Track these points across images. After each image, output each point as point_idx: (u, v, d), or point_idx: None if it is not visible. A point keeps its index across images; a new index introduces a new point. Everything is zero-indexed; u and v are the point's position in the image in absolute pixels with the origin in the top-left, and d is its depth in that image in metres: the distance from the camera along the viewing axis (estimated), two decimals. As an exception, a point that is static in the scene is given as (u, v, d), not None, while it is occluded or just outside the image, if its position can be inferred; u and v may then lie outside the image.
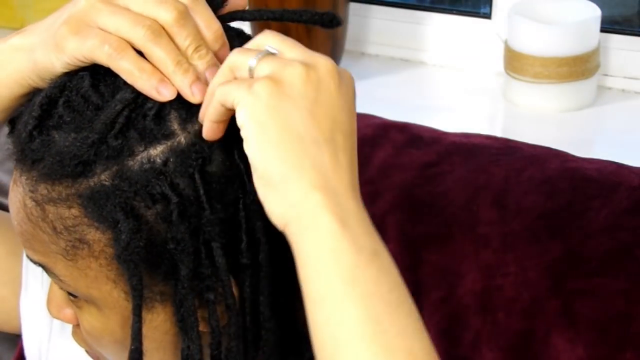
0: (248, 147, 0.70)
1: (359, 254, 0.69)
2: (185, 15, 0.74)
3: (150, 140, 0.73)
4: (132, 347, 0.76)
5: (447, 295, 1.32)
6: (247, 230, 0.75)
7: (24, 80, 0.79)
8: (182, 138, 0.74)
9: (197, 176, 0.73)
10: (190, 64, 0.74)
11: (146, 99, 0.74)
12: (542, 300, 1.25)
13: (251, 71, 0.71)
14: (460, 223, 1.34)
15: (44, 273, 0.96)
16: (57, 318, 0.85)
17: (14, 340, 1.34)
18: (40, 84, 0.78)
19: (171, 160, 0.73)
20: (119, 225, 0.73)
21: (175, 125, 0.74)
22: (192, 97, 0.73)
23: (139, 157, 0.73)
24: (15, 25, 2.10)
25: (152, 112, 0.74)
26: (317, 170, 0.70)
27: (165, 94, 0.73)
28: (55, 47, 0.75)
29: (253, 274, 0.76)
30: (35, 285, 0.99)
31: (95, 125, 0.73)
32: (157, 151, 0.73)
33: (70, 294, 0.81)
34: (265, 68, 0.71)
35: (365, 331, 0.68)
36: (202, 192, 0.73)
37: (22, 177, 0.76)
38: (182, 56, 0.74)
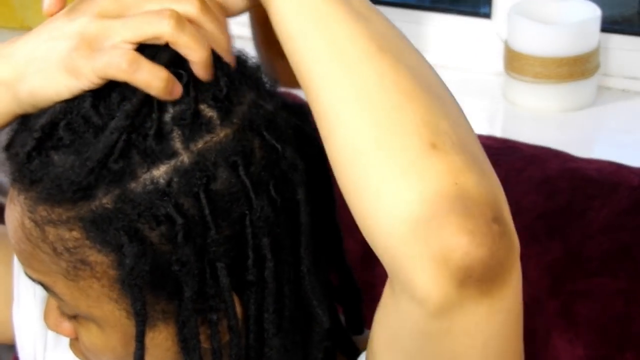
0: None
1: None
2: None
3: (152, 161, 0.72)
4: None
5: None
6: (253, 247, 0.74)
7: (6, 115, 0.76)
8: (185, 157, 0.72)
9: (202, 195, 0.72)
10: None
11: (144, 119, 0.72)
12: (542, 300, 1.25)
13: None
14: (460, 223, 1.34)
15: (35, 289, 0.96)
16: (55, 331, 0.84)
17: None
18: (30, 111, 0.75)
19: (175, 180, 0.72)
20: (123, 249, 0.72)
21: (177, 145, 0.72)
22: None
23: (141, 179, 0.72)
24: (15, 25, 2.10)
25: (152, 132, 0.72)
26: None
27: (175, 94, 0.72)
28: (64, 71, 0.72)
29: (258, 290, 0.75)
30: (27, 296, 0.98)
31: (94, 152, 0.71)
32: (160, 172, 0.72)
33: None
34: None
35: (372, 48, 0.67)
36: (207, 211, 0.72)
37: (20, 197, 0.75)
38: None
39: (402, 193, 0.63)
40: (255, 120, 0.74)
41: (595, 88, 1.78)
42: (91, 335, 0.79)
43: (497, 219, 0.63)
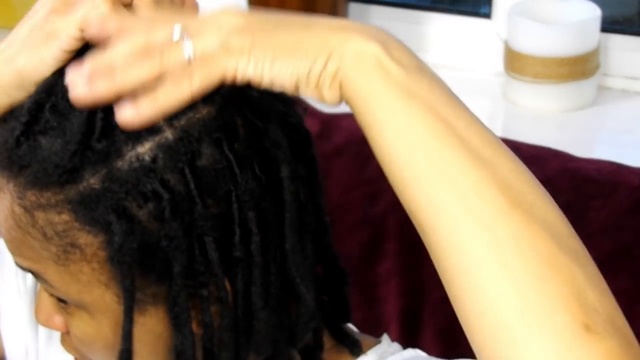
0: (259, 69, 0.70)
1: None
2: None
3: (136, 138, 0.72)
4: (123, 348, 0.75)
5: (447, 296, 1.32)
6: (239, 222, 0.75)
7: (4, 94, 0.77)
8: (168, 134, 0.73)
9: (187, 171, 0.73)
10: None
11: None
12: (542, 300, 1.25)
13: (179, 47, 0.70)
14: (460, 223, 1.34)
15: (19, 289, 0.96)
16: (46, 326, 0.84)
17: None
18: (17, 95, 0.77)
19: (160, 156, 0.72)
20: (112, 227, 0.72)
21: (160, 121, 0.73)
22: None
23: (127, 157, 0.72)
24: (15, 25, 2.10)
25: None
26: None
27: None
28: (45, 39, 0.75)
29: (245, 266, 0.76)
30: (8, 305, 0.98)
31: (72, 133, 0.72)
32: (144, 148, 0.73)
33: (60, 300, 0.80)
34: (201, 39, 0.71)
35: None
36: (193, 186, 0.73)
37: (10, 184, 0.75)
38: None
39: None
40: (236, 99, 0.74)
41: (595, 88, 1.78)
42: (82, 324, 0.79)
43: None
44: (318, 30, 0.69)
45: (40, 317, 0.84)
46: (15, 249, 0.78)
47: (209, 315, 0.76)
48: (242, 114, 0.75)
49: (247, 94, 0.75)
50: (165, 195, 0.72)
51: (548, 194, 0.67)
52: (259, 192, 0.74)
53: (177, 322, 0.76)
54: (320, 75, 0.69)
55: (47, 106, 0.74)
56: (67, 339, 0.84)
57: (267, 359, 0.81)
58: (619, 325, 0.65)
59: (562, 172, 1.35)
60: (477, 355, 0.66)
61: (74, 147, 0.72)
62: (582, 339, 0.62)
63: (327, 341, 0.85)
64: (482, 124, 0.68)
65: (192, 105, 0.73)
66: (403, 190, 0.68)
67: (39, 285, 0.83)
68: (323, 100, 0.70)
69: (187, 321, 0.76)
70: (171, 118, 0.73)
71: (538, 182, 0.68)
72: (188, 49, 0.69)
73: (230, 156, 0.73)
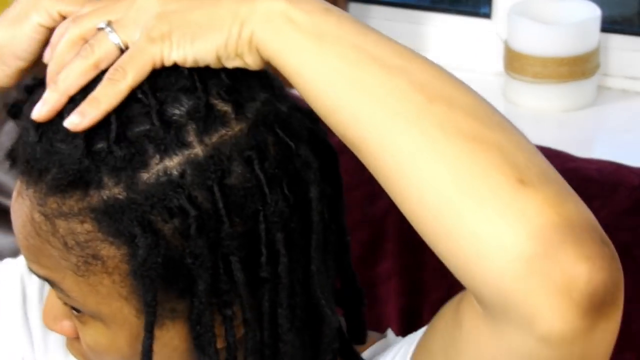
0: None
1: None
2: None
3: (165, 151, 0.72)
4: None
5: (447, 296, 1.32)
6: (267, 243, 0.74)
7: None
8: (199, 150, 0.72)
9: (216, 189, 0.72)
10: None
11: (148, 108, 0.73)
12: (542, 300, 1.25)
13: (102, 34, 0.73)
14: (460, 223, 1.34)
15: (11, 301, 0.94)
16: (53, 330, 0.83)
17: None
18: (6, 72, 0.79)
19: (188, 172, 0.71)
20: (136, 240, 0.71)
21: (191, 137, 0.72)
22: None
23: (154, 170, 0.71)
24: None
25: (157, 122, 0.72)
26: None
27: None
28: (26, 14, 0.77)
29: (272, 287, 0.75)
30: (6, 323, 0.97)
31: (88, 136, 0.72)
32: (173, 163, 0.71)
33: (74, 308, 0.79)
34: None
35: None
36: (221, 205, 0.72)
37: (30, 190, 0.74)
38: None
39: (506, 234, 0.64)
40: (269, 117, 0.74)
41: (595, 88, 1.78)
42: (97, 334, 0.78)
43: (604, 241, 0.65)
44: (228, 3, 0.71)
45: (48, 321, 0.82)
46: (32, 256, 0.77)
47: (233, 335, 0.75)
48: (273, 132, 0.74)
49: (278, 112, 0.75)
50: (192, 212, 0.71)
51: (467, 86, 0.72)
52: (287, 213, 0.74)
53: (200, 342, 0.75)
54: (237, 45, 0.71)
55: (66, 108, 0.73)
56: (75, 344, 0.82)
57: None
58: (553, 178, 0.68)
59: (562, 172, 1.35)
60: (437, 253, 0.68)
61: (89, 150, 0.72)
62: (518, 192, 0.64)
63: None
64: (392, 40, 0.71)
65: (224, 122, 0.73)
66: (332, 120, 0.71)
67: (46, 289, 0.83)
68: (248, 67, 0.73)
69: (211, 341, 0.74)
70: (202, 134, 0.72)
71: (456, 78, 0.72)
72: (114, 38, 0.73)
73: (261, 175, 0.73)
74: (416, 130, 0.67)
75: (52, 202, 0.73)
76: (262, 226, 0.73)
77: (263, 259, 0.74)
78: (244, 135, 0.73)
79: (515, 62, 1.75)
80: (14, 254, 1.05)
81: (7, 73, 0.79)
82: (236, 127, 0.73)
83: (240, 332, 0.76)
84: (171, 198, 0.71)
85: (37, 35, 0.77)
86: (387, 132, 0.68)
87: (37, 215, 0.74)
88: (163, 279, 0.73)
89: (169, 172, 0.71)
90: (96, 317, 0.77)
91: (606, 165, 1.37)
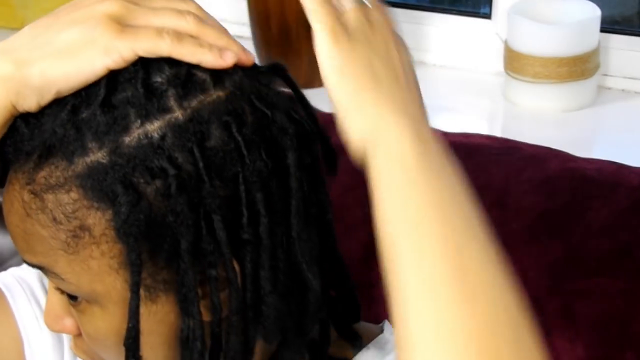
0: (327, 79, 0.74)
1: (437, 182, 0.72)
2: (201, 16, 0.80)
3: (145, 115, 0.74)
4: (129, 325, 0.76)
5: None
6: (247, 204, 0.76)
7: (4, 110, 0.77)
8: (179, 114, 0.75)
9: (195, 150, 0.74)
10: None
11: (133, 75, 0.76)
12: (542, 300, 1.25)
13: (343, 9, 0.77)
14: (460, 223, 1.34)
15: (36, 316, 0.95)
16: (55, 330, 0.84)
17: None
18: (33, 101, 0.76)
19: (169, 135, 0.74)
20: (118, 199, 0.74)
21: (171, 102, 0.75)
22: (247, 59, 0.79)
23: (135, 134, 0.74)
24: (15, 25, 2.10)
25: (140, 88, 0.75)
26: (395, 98, 0.74)
27: (228, 60, 0.77)
28: (99, 51, 0.75)
29: (253, 248, 0.77)
30: (31, 334, 0.96)
31: (70, 102, 0.75)
32: (154, 127, 0.74)
33: (70, 297, 0.80)
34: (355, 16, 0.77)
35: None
36: (201, 165, 0.74)
37: (18, 174, 0.76)
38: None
39: None
40: (246, 89, 0.77)
41: (595, 88, 1.78)
42: (94, 319, 0.79)
43: None
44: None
45: (49, 322, 0.84)
46: (25, 244, 0.78)
47: (217, 297, 0.77)
48: (250, 102, 0.77)
49: (256, 82, 0.78)
50: (172, 172, 0.74)
51: (505, 276, 0.72)
52: (266, 174, 0.76)
53: (184, 305, 0.76)
54: None
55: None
56: (78, 342, 0.83)
57: (276, 352, 0.82)
58: None
59: (562, 172, 1.35)
60: None
61: (73, 115, 0.74)
62: None
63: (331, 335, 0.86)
64: (468, 199, 0.73)
65: (203, 89, 0.76)
66: (382, 239, 0.74)
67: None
68: None
69: (194, 303, 0.76)
70: (181, 98, 0.75)
71: (501, 267, 0.72)
72: None
73: (239, 138, 0.75)
74: (432, 309, 0.69)
75: (40, 178, 0.76)
76: (242, 187, 0.75)
77: (244, 219, 0.76)
78: (222, 101, 0.76)
79: (515, 62, 1.75)
80: (14, 254, 1.05)
81: (41, 104, 0.76)
82: (214, 94, 0.76)
83: (225, 293, 0.77)
84: (152, 159, 0.74)
85: (95, 78, 0.76)
86: (411, 305, 0.70)
87: (26, 195, 0.76)
88: (147, 239, 0.75)
89: (149, 135, 0.74)
90: (92, 300, 0.78)
91: (606, 165, 1.37)
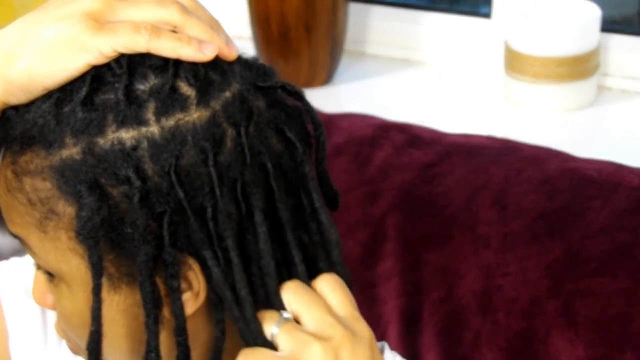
0: None
1: None
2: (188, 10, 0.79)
3: (122, 122, 0.75)
4: (92, 329, 0.76)
5: (447, 296, 1.32)
6: (216, 239, 0.75)
7: None
8: (155, 129, 0.75)
9: (166, 167, 0.74)
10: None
11: (115, 77, 0.76)
12: (541, 300, 1.26)
13: (273, 337, 0.76)
14: (460, 223, 1.34)
15: (27, 311, 0.97)
16: (40, 304, 0.86)
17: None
18: (19, 96, 0.78)
19: (141, 147, 0.75)
20: (83, 199, 0.75)
21: (149, 115, 0.75)
22: (230, 53, 0.78)
23: (110, 137, 0.75)
24: (15, 25, 2.10)
25: (121, 94, 0.75)
26: None
27: (208, 53, 0.76)
28: (72, 49, 0.76)
29: (218, 265, 0.76)
30: (17, 329, 0.98)
31: (62, 95, 0.76)
32: (128, 135, 0.75)
33: (48, 274, 0.82)
34: (285, 342, 0.75)
35: None
36: (170, 182, 0.74)
37: (7, 153, 0.79)
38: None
39: None
40: (232, 111, 0.76)
41: (595, 88, 1.78)
42: (62, 298, 0.81)
43: None
44: None
45: (35, 296, 0.86)
46: (6, 213, 0.81)
47: (179, 307, 0.76)
48: (235, 127, 0.76)
49: (248, 105, 0.77)
50: (137, 183, 0.74)
51: None
52: (235, 217, 0.76)
53: (146, 307, 0.76)
54: None
55: None
56: (57, 321, 0.85)
57: None
58: None
59: (562, 172, 1.35)
60: None
61: (56, 107, 0.76)
62: None
63: None
64: None
65: (183, 107, 0.75)
66: None
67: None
68: None
69: (156, 311, 0.76)
70: (160, 114, 0.75)
71: None
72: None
73: (212, 172, 0.75)
74: None
75: (22, 161, 0.77)
76: (211, 224, 0.75)
77: (211, 252, 0.76)
78: (203, 124, 0.75)
79: (515, 62, 1.75)
80: (14, 253, 1.05)
81: (30, 99, 0.78)
82: (195, 114, 0.75)
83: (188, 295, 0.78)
84: (120, 166, 0.74)
85: (78, 75, 0.77)
86: None
87: (9, 173, 0.79)
88: (108, 241, 0.75)
89: (122, 142, 0.75)
90: (61, 278, 0.80)
91: (606, 165, 1.37)
